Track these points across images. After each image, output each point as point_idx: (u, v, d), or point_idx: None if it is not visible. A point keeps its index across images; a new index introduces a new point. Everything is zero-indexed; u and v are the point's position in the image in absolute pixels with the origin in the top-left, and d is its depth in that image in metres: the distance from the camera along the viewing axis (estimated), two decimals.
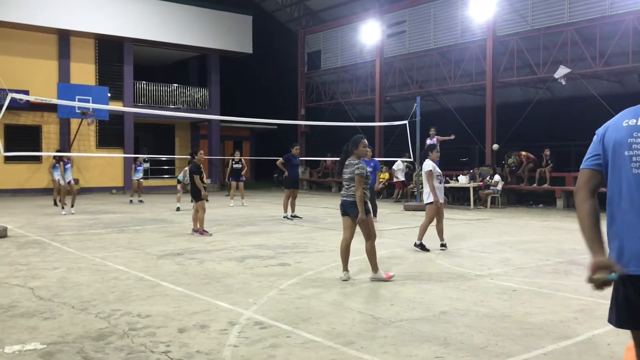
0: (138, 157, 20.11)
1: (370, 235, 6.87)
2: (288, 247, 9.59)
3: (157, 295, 6.09)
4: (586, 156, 2.59)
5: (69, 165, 15.72)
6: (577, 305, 5.75)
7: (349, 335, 4.69)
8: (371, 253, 6.87)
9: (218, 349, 4.36)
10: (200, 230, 11.10)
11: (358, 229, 6.99)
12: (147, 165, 28.07)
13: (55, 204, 17.27)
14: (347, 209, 6.95)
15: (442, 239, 9.39)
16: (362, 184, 6.81)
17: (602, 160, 2.51)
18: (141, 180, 19.69)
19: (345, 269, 7.02)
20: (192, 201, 11.66)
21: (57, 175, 16.89)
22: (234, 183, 18.42)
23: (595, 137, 2.59)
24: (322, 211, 16.48)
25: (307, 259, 8.38)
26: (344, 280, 6.90)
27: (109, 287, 6.51)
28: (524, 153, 19.15)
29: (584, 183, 2.54)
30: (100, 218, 14.26)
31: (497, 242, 10.34)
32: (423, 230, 9.25)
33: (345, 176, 6.97)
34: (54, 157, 17.51)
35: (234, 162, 18.30)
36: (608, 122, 2.57)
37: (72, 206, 15.37)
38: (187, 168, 17.09)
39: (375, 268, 6.90)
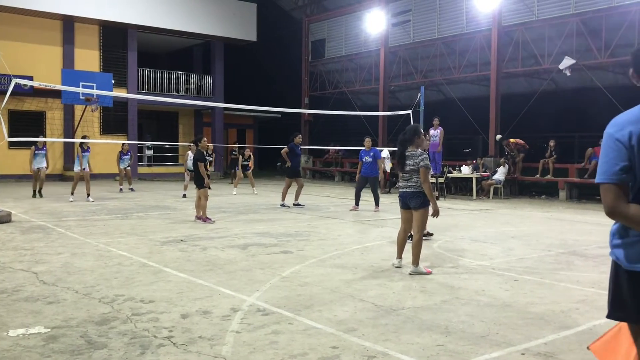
0: (124, 145, 19.69)
1: (421, 228, 6.80)
2: (291, 235, 9.62)
3: (160, 281, 6.13)
4: (607, 167, 2.29)
5: (87, 153, 15.53)
6: (578, 295, 5.76)
7: (351, 323, 4.72)
8: (417, 246, 6.71)
9: (220, 334, 4.39)
10: (203, 218, 11.13)
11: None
12: (150, 152, 28.14)
13: (34, 194, 15.94)
14: (408, 200, 6.82)
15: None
16: (429, 175, 6.81)
17: (634, 168, 2.25)
18: (128, 168, 19.14)
19: (399, 257, 7.05)
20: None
21: (36, 164, 15.93)
22: (240, 172, 18.75)
23: (615, 142, 2.28)
24: (325, 200, 16.49)
25: (310, 247, 8.41)
26: (397, 267, 6.96)
27: (112, 272, 6.55)
28: (512, 140, 19.12)
29: (616, 200, 2.27)
30: (103, 204, 14.30)
31: (499, 232, 10.35)
32: None
33: (407, 167, 6.81)
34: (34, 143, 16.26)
35: (243, 159, 18.69)
36: (626, 122, 2.30)
37: (89, 195, 15.22)
38: (189, 153, 17.26)
39: (416, 261, 6.70)
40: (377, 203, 13.81)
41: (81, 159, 15.22)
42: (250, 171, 18.76)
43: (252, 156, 19.05)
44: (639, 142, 2.25)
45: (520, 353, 4.09)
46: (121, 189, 18.69)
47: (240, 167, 18.89)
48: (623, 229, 2.37)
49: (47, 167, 16.66)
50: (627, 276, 2.35)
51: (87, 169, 15.32)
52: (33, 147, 15.97)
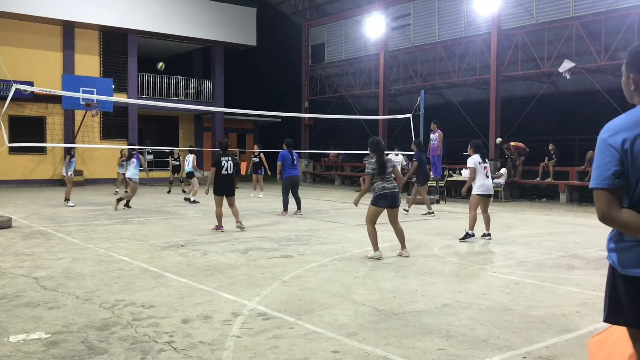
0: (123, 151, 19.40)
1: (398, 218, 8.04)
2: (291, 239, 9.61)
3: (160, 286, 6.12)
4: (599, 172, 2.29)
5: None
6: (579, 298, 5.76)
7: (352, 327, 4.71)
8: (403, 233, 8.07)
9: (221, 339, 4.38)
10: (218, 226, 10.70)
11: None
12: (150, 157, 28.17)
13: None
14: (396, 199, 7.86)
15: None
16: None
17: (626, 173, 2.24)
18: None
19: (379, 248, 7.85)
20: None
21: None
22: (254, 175, 18.89)
23: (607, 147, 2.27)
24: (325, 204, 16.49)
25: (310, 251, 8.40)
26: (378, 258, 7.74)
27: (113, 277, 6.54)
28: (513, 144, 19.14)
29: (608, 205, 2.26)
30: (104, 209, 14.30)
31: (499, 235, 10.33)
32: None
33: (390, 169, 7.85)
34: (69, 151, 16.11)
35: (253, 156, 18.95)
36: (619, 127, 2.27)
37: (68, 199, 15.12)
38: (190, 158, 17.30)
39: (405, 245, 8.08)
40: (299, 207, 13.74)
41: (66, 164, 15.24)
42: (260, 174, 18.61)
43: (261, 155, 18.76)
44: (632, 148, 2.23)
45: (522, 357, 4.08)
46: (126, 191, 18.82)
47: (252, 166, 18.94)
48: (618, 234, 2.36)
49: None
50: (623, 280, 2.34)
51: (72, 175, 15.31)
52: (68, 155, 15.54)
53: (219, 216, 10.60)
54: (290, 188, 13.68)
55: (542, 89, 21.02)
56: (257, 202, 16.86)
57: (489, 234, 9.86)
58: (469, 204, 9.91)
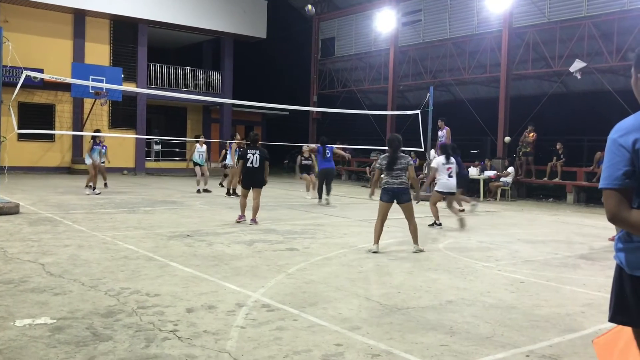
0: (97, 136, 16.59)
1: (413, 215, 8.18)
2: (297, 232, 9.62)
3: (166, 275, 6.14)
4: (609, 172, 2.26)
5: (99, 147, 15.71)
6: (584, 299, 5.74)
7: (355, 321, 4.72)
8: (416, 230, 8.22)
9: (225, 329, 4.40)
10: (240, 216, 10.71)
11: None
12: (158, 147, 28.24)
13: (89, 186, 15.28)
14: (400, 195, 8.01)
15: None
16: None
17: (637, 173, 2.22)
18: (102, 163, 16.48)
19: (377, 242, 8.04)
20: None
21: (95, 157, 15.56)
22: (306, 175, 16.83)
23: (618, 147, 2.25)
24: (331, 198, 16.45)
25: (316, 245, 8.41)
26: (374, 252, 7.88)
27: (118, 265, 6.57)
28: (533, 135, 19.03)
29: (617, 205, 2.24)
30: (111, 198, 14.35)
31: (505, 234, 10.32)
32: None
33: (397, 167, 8.01)
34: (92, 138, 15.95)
35: (303, 159, 17.15)
36: (630, 128, 2.26)
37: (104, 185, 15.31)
38: (197, 145, 17.19)
39: (417, 241, 8.17)
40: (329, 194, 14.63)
41: (88, 151, 15.34)
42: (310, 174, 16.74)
43: (313, 156, 16.74)
44: None
45: (525, 355, 4.07)
46: (93, 188, 15.27)
47: (300, 167, 17.41)
48: (627, 234, 2.35)
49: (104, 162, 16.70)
50: (631, 281, 2.33)
51: (97, 162, 15.37)
52: (91, 142, 15.56)
53: (242, 206, 10.74)
54: (324, 179, 14.56)
55: (553, 88, 20.91)
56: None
57: (439, 224, 10.79)
58: (430, 199, 11.09)
